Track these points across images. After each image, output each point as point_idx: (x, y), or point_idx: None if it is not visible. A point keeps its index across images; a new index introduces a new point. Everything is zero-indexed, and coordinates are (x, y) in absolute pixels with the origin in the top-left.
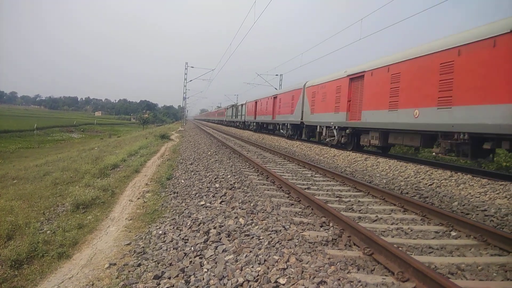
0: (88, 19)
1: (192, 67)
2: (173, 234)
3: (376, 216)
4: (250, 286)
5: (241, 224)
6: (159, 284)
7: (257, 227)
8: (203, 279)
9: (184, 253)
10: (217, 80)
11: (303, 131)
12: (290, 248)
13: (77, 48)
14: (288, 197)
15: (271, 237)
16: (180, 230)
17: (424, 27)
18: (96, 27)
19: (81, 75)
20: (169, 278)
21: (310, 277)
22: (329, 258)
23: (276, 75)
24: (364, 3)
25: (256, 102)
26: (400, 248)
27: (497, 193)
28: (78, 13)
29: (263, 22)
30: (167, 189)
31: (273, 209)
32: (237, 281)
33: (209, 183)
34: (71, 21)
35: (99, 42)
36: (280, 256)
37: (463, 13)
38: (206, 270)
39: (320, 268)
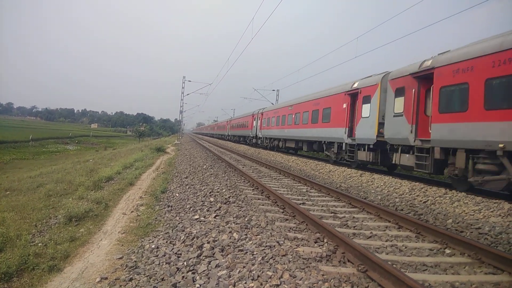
0: (93, 23)
1: (190, 81)
2: (166, 248)
3: (371, 232)
4: None
5: (235, 239)
6: None
7: (251, 242)
8: None
9: (176, 267)
10: (214, 95)
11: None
12: (284, 264)
13: (79, 53)
14: (282, 212)
15: (265, 253)
16: (173, 244)
17: (421, 41)
18: (101, 31)
19: (82, 81)
20: None
21: None
22: (323, 275)
23: (273, 90)
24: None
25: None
26: (394, 265)
27: (491, 211)
28: (86, 20)
29: (262, 28)
30: (161, 203)
31: (267, 224)
32: None
33: (203, 196)
34: (72, 22)
35: (103, 47)
36: (273, 272)
37: (462, 27)
38: (198, 285)
39: (314, 285)
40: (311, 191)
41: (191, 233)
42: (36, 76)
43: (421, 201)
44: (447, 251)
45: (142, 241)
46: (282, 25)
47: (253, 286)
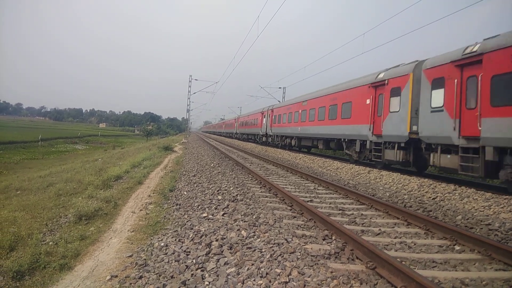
0: (97, 24)
1: (196, 79)
2: (175, 246)
3: (379, 229)
4: None
5: (243, 237)
6: None
7: (259, 239)
8: None
9: (185, 265)
10: (221, 93)
11: None
12: (292, 261)
13: (84, 55)
14: (290, 209)
15: (273, 250)
16: (182, 242)
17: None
18: (105, 33)
19: (88, 83)
20: None
21: None
22: (331, 272)
23: (279, 87)
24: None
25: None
26: (403, 262)
27: (502, 207)
28: (88, 19)
29: (266, 27)
30: (169, 201)
31: (275, 221)
32: None
33: (211, 195)
34: (76, 24)
35: (108, 48)
36: (282, 269)
37: (467, 24)
38: (207, 283)
39: (323, 282)
40: (318, 188)
41: (200, 231)
42: (44, 79)
43: (430, 197)
44: (457, 247)
45: (151, 239)
46: (288, 22)
47: (261, 284)
